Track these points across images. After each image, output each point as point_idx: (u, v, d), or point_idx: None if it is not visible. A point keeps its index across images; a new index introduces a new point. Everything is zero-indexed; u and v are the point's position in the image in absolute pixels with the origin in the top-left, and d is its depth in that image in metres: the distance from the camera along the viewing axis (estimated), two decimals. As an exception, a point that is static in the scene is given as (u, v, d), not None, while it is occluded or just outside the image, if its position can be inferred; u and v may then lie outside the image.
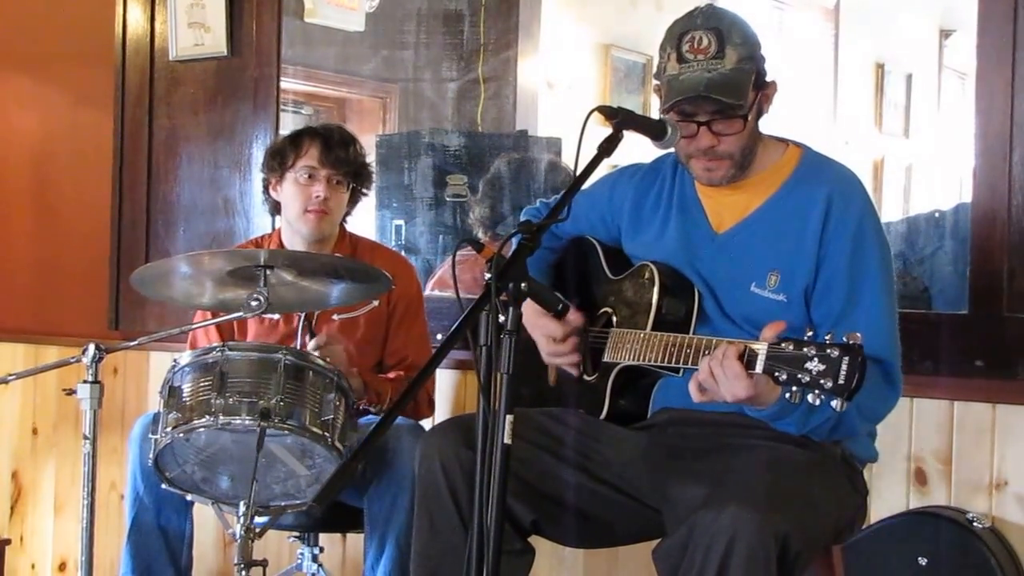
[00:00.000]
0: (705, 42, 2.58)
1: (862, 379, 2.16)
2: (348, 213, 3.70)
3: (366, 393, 3.40)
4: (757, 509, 2.30)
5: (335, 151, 3.54)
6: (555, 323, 2.76)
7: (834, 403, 2.18)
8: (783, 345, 2.24)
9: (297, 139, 3.59)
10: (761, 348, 2.27)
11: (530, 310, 2.66)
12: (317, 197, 3.51)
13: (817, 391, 2.19)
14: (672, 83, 2.60)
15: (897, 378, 2.57)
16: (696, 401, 2.40)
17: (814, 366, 2.19)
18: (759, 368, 2.27)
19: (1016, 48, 3.12)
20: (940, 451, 3.25)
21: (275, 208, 3.70)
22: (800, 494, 2.45)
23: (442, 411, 3.89)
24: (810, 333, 2.23)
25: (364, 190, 3.70)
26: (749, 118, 2.61)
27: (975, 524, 3.06)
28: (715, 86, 2.56)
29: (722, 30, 2.58)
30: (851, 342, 2.18)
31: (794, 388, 2.22)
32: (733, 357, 2.30)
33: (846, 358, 2.16)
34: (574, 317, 2.77)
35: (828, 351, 2.18)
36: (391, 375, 3.60)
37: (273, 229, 4.06)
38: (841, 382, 2.16)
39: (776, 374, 2.24)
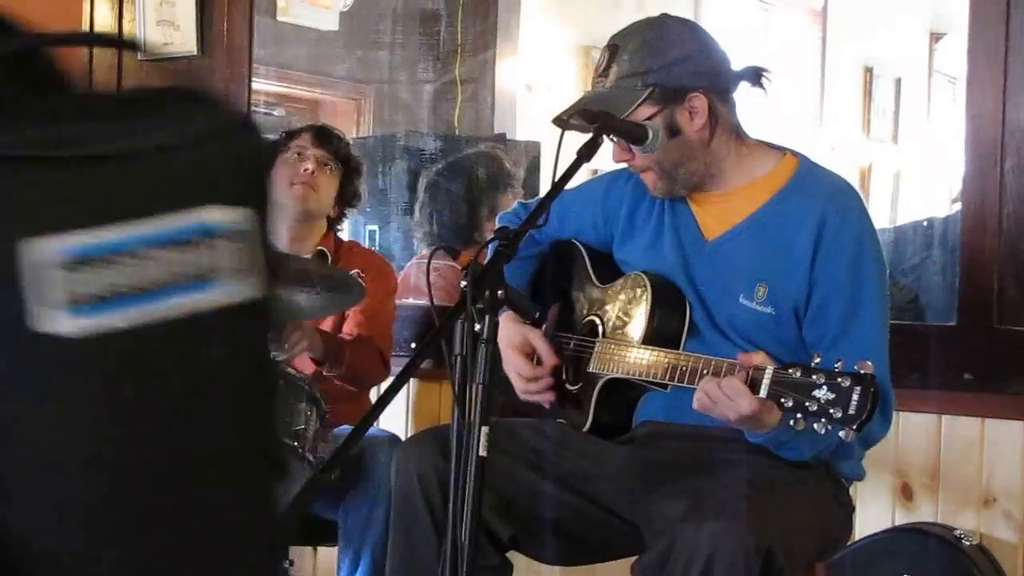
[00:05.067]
0: (602, 59, 2.58)
1: (874, 410, 2.13)
2: (339, 220, 3.79)
3: (324, 352, 3.37)
4: (738, 524, 2.25)
5: (326, 136, 3.70)
6: (525, 362, 2.74)
7: (842, 433, 2.15)
8: (790, 370, 2.21)
9: (291, 130, 3.79)
10: (766, 372, 2.24)
11: (502, 343, 2.65)
12: (305, 171, 3.60)
13: (824, 420, 2.15)
14: None
15: (891, 403, 2.52)
16: (696, 408, 2.36)
17: (823, 394, 2.15)
18: (763, 392, 2.23)
19: (1008, 52, 3.07)
20: (927, 466, 3.20)
21: None
22: (783, 509, 2.40)
23: (418, 423, 3.85)
24: (817, 359, 2.20)
25: (354, 190, 3.76)
26: (647, 135, 2.54)
27: (963, 541, 3.01)
28: (583, 104, 2.53)
29: (619, 45, 2.55)
30: (863, 372, 2.14)
31: (799, 415, 2.18)
32: (738, 379, 2.26)
33: (858, 388, 2.13)
34: (548, 360, 2.74)
35: (839, 380, 2.15)
36: (346, 336, 3.58)
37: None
38: (851, 412, 2.13)
39: (782, 400, 2.20)
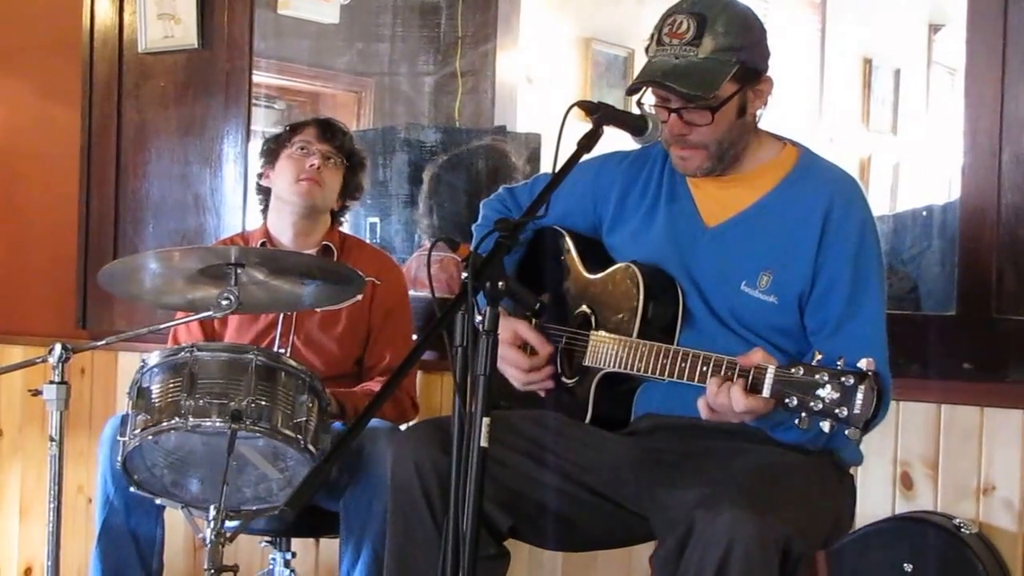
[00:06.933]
0: (684, 26, 2.51)
1: (879, 409, 2.14)
2: (342, 213, 3.78)
3: (348, 412, 3.36)
4: (755, 512, 2.26)
5: (331, 131, 3.67)
6: (521, 355, 2.73)
7: (848, 432, 2.16)
8: (792, 369, 2.22)
9: (295, 124, 3.75)
10: (768, 372, 2.25)
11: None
12: (311, 166, 3.59)
13: (830, 419, 2.16)
14: (645, 66, 2.55)
15: (889, 390, 2.52)
16: (705, 418, 2.38)
17: (827, 393, 2.16)
18: (766, 392, 2.25)
19: (1006, 43, 3.08)
20: (927, 455, 3.20)
21: (266, 199, 3.73)
22: (797, 495, 2.42)
23: (420, 414, 3.81)
24: (819, 357, 2.20)
25: (357, 183, 3.75)
26: (721, 110, 2.53)
27: (962, 530, 3.02)
28: (676, 73, 2.49)
29: (706, 16, 2.50)
30: (866, 369, 2.15)
31: (803, 415, 2.19)
32: (739, 387, 2.28)
33: (861, 387, 2.14)
34: (542, 349, 2.73)
35: (843, 378, 2.16)
36: (374, 385, 3.56)
37: (243, 227, 4.03)
38: (857, 411, 2.14)
39: (786, 400, 2.22)
